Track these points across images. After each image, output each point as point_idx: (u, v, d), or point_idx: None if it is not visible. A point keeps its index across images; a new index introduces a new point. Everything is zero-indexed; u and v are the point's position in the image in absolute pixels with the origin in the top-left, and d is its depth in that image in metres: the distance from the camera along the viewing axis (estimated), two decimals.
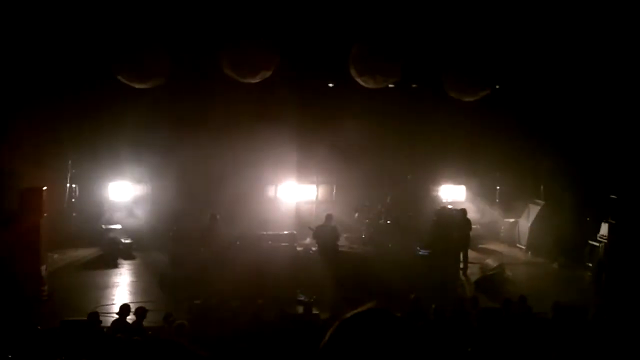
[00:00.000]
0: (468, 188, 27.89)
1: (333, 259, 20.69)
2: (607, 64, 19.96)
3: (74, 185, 24.78)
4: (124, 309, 14.43)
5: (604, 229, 21.32)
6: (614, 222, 20.87)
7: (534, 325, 14.00)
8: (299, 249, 21.61)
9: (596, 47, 19.59)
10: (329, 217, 21.63)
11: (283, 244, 21.42)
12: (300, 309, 16.09)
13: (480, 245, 25.59)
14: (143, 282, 20.36)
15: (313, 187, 26.80)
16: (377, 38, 19.94)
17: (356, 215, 24.39)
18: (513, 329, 13.69)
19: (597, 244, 21.59)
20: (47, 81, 20.67)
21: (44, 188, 18.56)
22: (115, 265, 22.00)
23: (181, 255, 20.52)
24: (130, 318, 14.29)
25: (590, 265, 21.88)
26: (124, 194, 25.14)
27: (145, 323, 14.13)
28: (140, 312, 14.15)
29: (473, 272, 21.90)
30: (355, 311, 2.27)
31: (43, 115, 21.31)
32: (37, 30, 18.61)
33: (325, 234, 21.22)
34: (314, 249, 21.73)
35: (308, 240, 22.66)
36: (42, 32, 18.71)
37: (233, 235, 21.39)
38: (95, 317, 13.83)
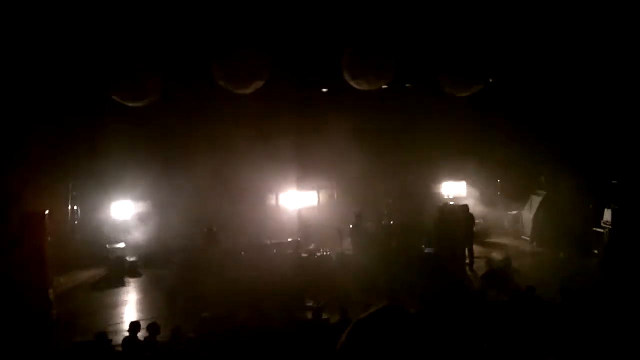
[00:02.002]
0: (469, 184, 27.91)
1: (370, 258, 20.81)
2: (602, 50, 19.96)
3: (75, 207, 24.80)
4: (134, 326, 14.41)
5: (607, 215, 21.31)
6: (617, 207, 20.86)
7: (544, 313, 13.98)
8: (304, 255, 21.57)
9: (590, 34, 19.59)
10: (359, 216, 21.91)
11: (288, 252, 21.41)
12: (310, 315, 16.08)
13: (485, 240, 25.61)
14: (151, 299, 20.36)
15: (314, 193, 26.78)
16: (367, 41, 19.95)
17: None
18: (523, 320, 13.67)
19: (601, 231, 21.58)
20: (45, 105, 20.71)
21: (46, 212, 18.57)
22: (122, 284, 22.03)
23: (186, 270, 20.49)
24: (141, 335, 14.28)
25: (596, 252, 21.86)
26: (126, 212, 25.15)
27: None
28: (154, 328, 14.13)
29: (480, 266, 21.90)
30: (370, 311, 2.28)
31: (42, 138, 21.35)
32: (31, 52, 18.65)
33: (360, 233, 21.58)
34: (318, 254, 21.71)
35: (312, 247, 22.65)
36: (36, 54, 18.75)
37: (236, 246, 21.38)
38: (103, 337, 13.80)
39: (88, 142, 23.14)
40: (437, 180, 27.74)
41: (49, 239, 18.53)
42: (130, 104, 20.18)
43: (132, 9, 18.70)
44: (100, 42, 18.90)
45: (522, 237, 26.01)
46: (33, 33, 18.38)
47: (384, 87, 21.58)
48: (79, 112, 21.95)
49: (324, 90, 24.61)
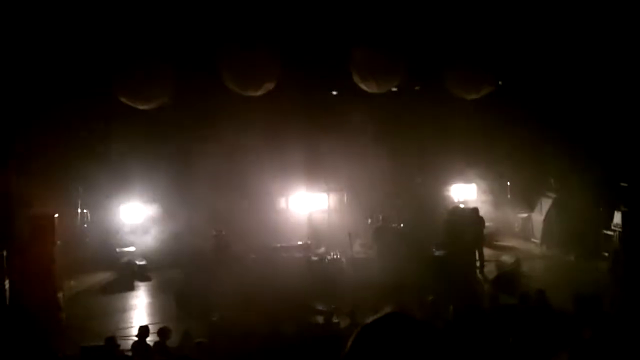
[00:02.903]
0: (479, 186, 27.85)
1: (394, 261, 20.77)
2: (612, 51, 19.88)
3: (85, 210, 24.82)
4: (143, 330, 14.42)
5: (617, 217, 21.21)
6: (626, 210, 20.77)
7: (555, 319, 13.92)
8: (314, 258, 21.54)
9: (600, 35, 19.52)
10: (386, 218, 22.02)
11: (298, 255, 21.38)
12: (320, 319, 16.05)
13: (495, 242, 25.57)
14: (160, 303, 20.40)
15: (324, 195, 26.77)
16: (376, 43, 19.95)
17: (369, 220, 24.34)
18: (533, 323, 13.63)
19: (611, 233, 21.49)
20: (53, 105, 20.74)
21: (56, 215, 18.61)
22: (131, 288, 22.04)
23: (195, 273, 20.51)
24: (150, 339, 14.30)
25: (606, 255, 21.76)
26: (136, 215, 25.17)
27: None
28: (164, 333, 14.13)
29: (490, 269, 21.86)
30: (376, 316, 2.25)
31: (50, 140, 21.39)
32: (40, 52, 18.67)
33: (385, 234, 21.98)
34: (329, 258, 21.67)
35: (322, 250, 22.61)
36: (45, 54, 18.77)
37: (246, 249, 21.37)
38: (112, 341, 13.82)
39: (97, 145, 23.21)
40: (447, 182, 27.68)
41: (58, 242, 18.58)
42: (139, 106, 20.21)
43: (141, 10, 18.73)
44: (108, 43, 18.92)
45: (532, 239, 25.94)
46: (40, 33, 18.39)
47: (393, 89, 21.56)
48: (87, 114, 21.98)
49: (334, 92, 24.59)
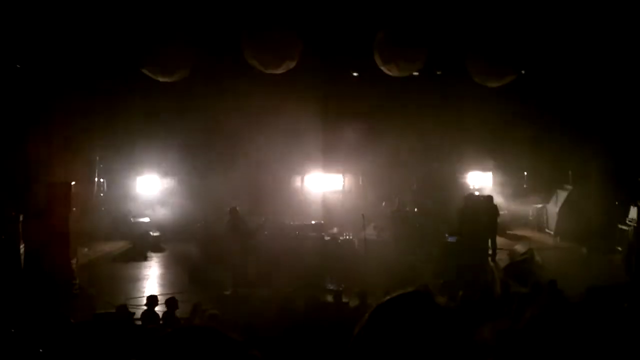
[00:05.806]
0: (495, 175, 27.79)
1: (408, 245, 20.91)
2: (634, 46, 19.72)
3: (102, 180, 24.95)
4: (152, 300, 14.51)
5: (632, 212, 21.12)
6: None
7: (566, 309, 13.87)
8: (327, 238, 21.56)
9: (623, 29, 19.36)
10: (402, 202, 22.41)
11: (311, 234, 21.39)
12: (330, 298, 16.09)
13: (508, 231, 25.51)
14: (172, 274, 20.50)
15: (339, 176, 26.78)
16: (400, 25, 19.83)
17: (383, 203, 24.31)
18: (544, 313, 13.59)
19: (626, 228, 21.40)
20: (75, 75, 20.78)
21: (73, 183, 18.70)
22: (144, 258, 22.21)
23: (209, 247, 20.58)
24: (159, 309, 14.38)
25: (620, 249, 21.69)
26: (152, 187, 25.28)
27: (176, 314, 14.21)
28: (172, 303, 14.21)
29: (502, 258, 21.81)
30: (395, 294, 2.27)
31: (71, 109, 21.46)
32: (64, 25, 18.69)
33: (401, 218, 22.21)
34: (341, 238, 21.69)
35: (335, 230, 22.64)
36: (69, 27, 18.79)
37: (260, 226, 21.41)
38: (123, 309, 13.92)
39: (116, 115, 23.27)
40: (464, 169, 27.63)
41: (74, 209, 18.68)
42: (160, 79, 20.21)
43: None
44: (131, 13, 18.90)
45: (546, 230, 25.88)
46: (62, 3, 18.41)
47: (415, 73, 21.45)
48: (108, 83, 22.03)
49: (355, 74, 24.49)
